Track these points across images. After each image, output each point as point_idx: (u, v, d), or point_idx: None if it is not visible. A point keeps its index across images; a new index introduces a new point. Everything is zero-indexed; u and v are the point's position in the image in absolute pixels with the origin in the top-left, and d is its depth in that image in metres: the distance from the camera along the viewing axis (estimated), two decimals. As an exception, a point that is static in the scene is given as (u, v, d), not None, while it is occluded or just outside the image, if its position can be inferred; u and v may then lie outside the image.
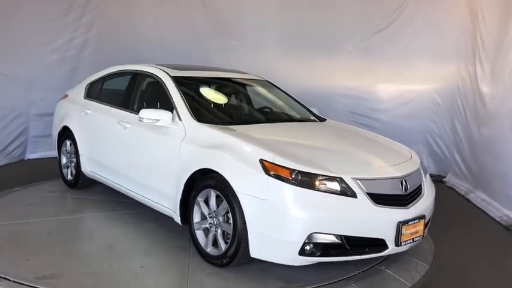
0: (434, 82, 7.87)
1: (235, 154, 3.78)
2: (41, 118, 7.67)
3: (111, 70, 5.71)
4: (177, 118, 4.37)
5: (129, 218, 4.93)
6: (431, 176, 7.58)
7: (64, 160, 6.03)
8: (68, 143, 5.89)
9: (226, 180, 3.68)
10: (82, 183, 5.79)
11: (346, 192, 3.51)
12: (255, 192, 3.54)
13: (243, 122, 4.68)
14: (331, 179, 3.52)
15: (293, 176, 3.47)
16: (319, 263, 3.67)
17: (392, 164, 3.95)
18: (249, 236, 3.57)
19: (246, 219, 3.56)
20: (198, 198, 3.98)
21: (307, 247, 3.45)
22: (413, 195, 3.88)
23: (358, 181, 3.57)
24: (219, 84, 5.32)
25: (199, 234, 4.02)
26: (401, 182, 3.78)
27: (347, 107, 8.23)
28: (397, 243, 3.65)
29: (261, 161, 3.59)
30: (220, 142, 3.97)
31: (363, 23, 8.15)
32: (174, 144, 4.26)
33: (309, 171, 3.50)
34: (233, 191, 3.63)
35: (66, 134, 5.91)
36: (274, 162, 3.56)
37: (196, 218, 4.03)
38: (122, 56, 7.26)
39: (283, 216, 3.44)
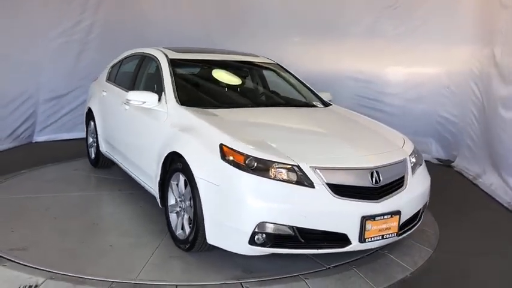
0: (446, 65, 7.19)
1: (200, 138, 3.61)
2: (49, 101, 7.58)
3: (127, 53, 5.66)
4: (164, 100, 4.25)
5: (128, 198, 4.89)
6: (440, 160, 7.29)
7: (90, 140, 6.10)
8: (92, 123, 5.95)
9: (188, 164, 3.53)
10: (102, 162, 5.83)
11: (303, 181, 3.21)
12: (211, 178, 3.34)
13: (232, 106, 4.47)
14: (288, 166, 3.23)
15: (247, 162, 3.23)
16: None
17: (366, 154, 3.56)
18: (205, 222, 3.37)
19: (202, 205, 3.38)
20: (172, 181, 3.83)
21: (258, 237, 3.19)
22: (389, 188, 3.47)
23: (317, 170, 3.24)
24: (221, 67, 5.09)
25: (173, 218, 3.86)
26: (372, 173, 3.39)
27: (355, 90, 7.72)
28: (361, 239, 3.29)
29: (221, 145, 3.38)
30: (191, 125, 3.80)
31: (372, 4, 7.58)
32: (157, 126, 4.18)
33: (263, 157, 3.24)
34: (193, 175, 3.46)
35: (91, 115, 5.99)
36: (231, 147, 3.34)
37: (171, 200, 3.88)
38: (129, 38, 7.27)
39: (233, 203, 3.22)
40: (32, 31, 7.13)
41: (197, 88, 4.83)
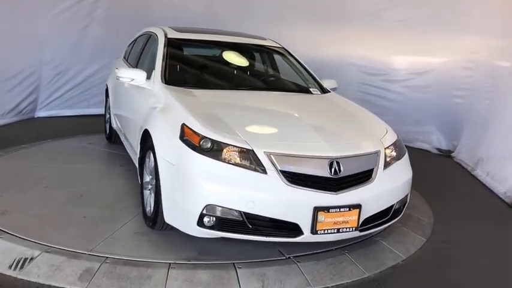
0: (451, 55, 6.76)
1: (168, 117, 3.52)
2: (52, 77, 7.37)
3: (141, 32, 5.59)
4: (152, 78, 4.16)
5: (125, 173, 4.82)
6: (440, 150, 7.01)
7: (107, 116, 6.11)
8: (109, 100, 5.96)
9: (153, 142, 3.44)
10: (115, 137, 5.80)
11: (255, 166, 3.04)
12: (169, 157, 3.24)
13: (218, 87, 4.34)
14: (241, 150, 3.07)
15: (201, 143, 3.10)
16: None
17: (330, 143, 3.28)
18: (162, 201, 3.27)
19: (160, 183, 3.27)
20: (146, 159, 3.74)
21: (206, 219, 3.06)
22: (351, 180, 3.20)
23: (271, 156, 3.05)
24: (221, 48, 4.92)
25: (146, 194, 3.75)
26: (332, 163, 3.13)
27: (358, 77, 7.32)
28: (313, 230, 3.07)
29: (183, 125, 3.26)
30: (167, 104, 3.71)
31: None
32: (142, 104, 4.13)
33: (217, 139, 3.10)
34: (155, 153, 3.37)
35: (107, 91, 6.04)
36: (190, 127, 3.21)
37: (146, 177, 3.78)
38: (134, 14, 7.17)
39: (184, 183, 3.12)
40: (36, 7, 6.99)
41: (189, 68, 4.70)
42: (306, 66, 4.97)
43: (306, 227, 3.07)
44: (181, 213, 3.19)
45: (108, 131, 6.03)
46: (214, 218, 3.07)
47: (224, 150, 3.08)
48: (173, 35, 4.68)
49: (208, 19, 7.34)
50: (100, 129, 6.36)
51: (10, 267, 3.02)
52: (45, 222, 3.61)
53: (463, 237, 4.14)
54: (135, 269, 3.05)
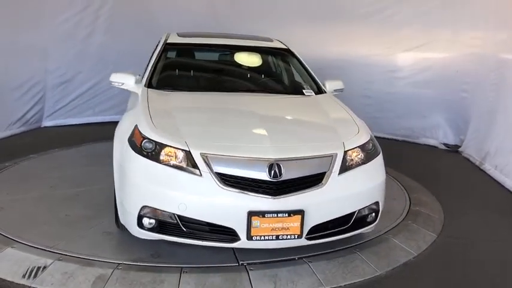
0: (456, 49, 6.70)
1: (129, 119, 3.56)
2: (58, 86, 7.24)
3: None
4: (141, 82, 4.20)
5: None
6: (447, 145, 6.92)
7: None
8: None
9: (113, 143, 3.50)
10: None
11: (190, 168, 2.98)
12: (119, 158, 3.28)
13: (198, 90, 4.28)
14: (178, 151, 3.03)
15: (142, 144, 3.09)
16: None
17: (276, 145, 3.13)
18: (116, 201, 3.30)
19: (115, 184, 3.32)
20: None
21: (146, 221, 3.02)
22: (295, 184, 3.02)
23: (208, 157, 2.96)
24: (218, 51, 4.94)
25: None
26: (271, 165, 2.96)
27: (364, 74, 7.17)
28: (248, 236, 2.94)
29: (135, 126, 3.26)
30: (137, 107, 3.74)
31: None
32: (129, 107, 4.21)
33: (157, 140, 3.08)
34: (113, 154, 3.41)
35: None
36: (138, 127, 3.23)
37: None
38: (138, 22, 7.19)
39: (125, 184, 3.13)
40: (40, 16, 6.88)
41: (177, 71, 4.74)
42: (306, 67, 4.79)
43: (242, 232, 2.95)
44: (126, 214, 3.18)
45: None
46: (154, 220, 3.04)
47: (162, 151, 3.05)
48: (174, 40, 4.71)
49: (214, 22, 7.27)
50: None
51: (24, 276, 3.01)
52: (27, 220, 3.73)
53: (474, 232, 4.09)
54: (147, 274, 3.05)
